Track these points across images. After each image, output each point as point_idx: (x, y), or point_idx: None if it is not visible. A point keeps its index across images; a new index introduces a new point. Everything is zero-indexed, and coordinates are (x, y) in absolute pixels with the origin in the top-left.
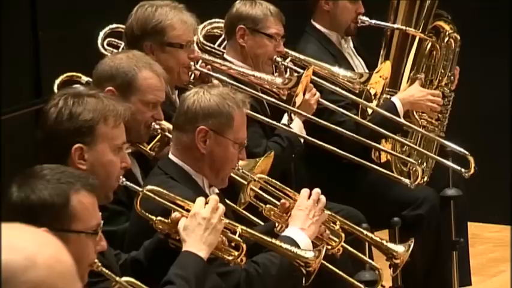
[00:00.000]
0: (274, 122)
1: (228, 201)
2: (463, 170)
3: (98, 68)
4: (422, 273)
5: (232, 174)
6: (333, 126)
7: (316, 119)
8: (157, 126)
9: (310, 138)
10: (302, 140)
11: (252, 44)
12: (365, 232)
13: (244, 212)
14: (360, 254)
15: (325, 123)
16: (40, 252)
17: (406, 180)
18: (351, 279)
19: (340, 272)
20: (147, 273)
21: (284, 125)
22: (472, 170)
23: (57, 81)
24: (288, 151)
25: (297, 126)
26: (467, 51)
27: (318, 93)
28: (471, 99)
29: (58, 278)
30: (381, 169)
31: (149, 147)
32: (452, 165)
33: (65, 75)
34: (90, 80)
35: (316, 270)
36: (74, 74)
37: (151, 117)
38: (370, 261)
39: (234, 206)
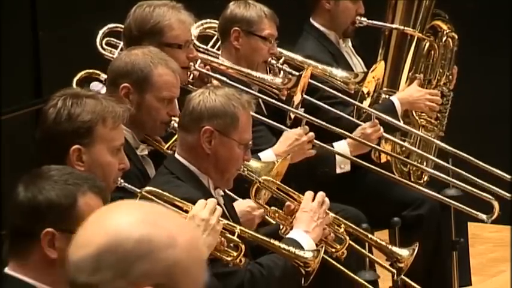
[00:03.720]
0: (317, 142)
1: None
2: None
3: (113, 64)
4: (422, 273)
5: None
6: (334, 127)
7: (314, 118)
8: (176, 125)
9: (356, 159)
10: (348, 167)
11: (247, 46)
12: (369, 236)
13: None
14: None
15: (322, 122)
16: (181, 234)
17: (483, 216)
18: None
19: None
20: None
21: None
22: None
23: (76, 79)
24: (315, 164)
25: (341, 149)
26: (467, 51)
27: (381, 130)
28: (471, 98)
29: (193, 263)
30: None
31: (167, 146)
32: (450, 167)
33: (84, 72)
34: None
35: (315, 270)
36: (93, 71)
37: (167, 114)
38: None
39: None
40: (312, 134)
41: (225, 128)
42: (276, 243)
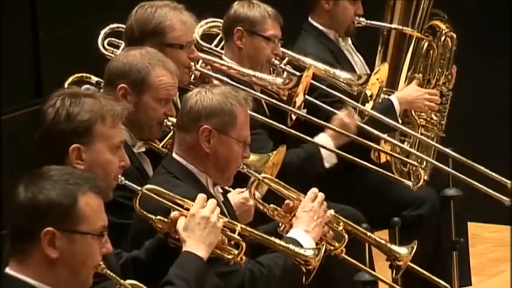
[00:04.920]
0: (308, 138)
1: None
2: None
3: (110, 65)
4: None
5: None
6: (335, 127)
7: (315, 119)
8: (169, 123)
9: (341, 153)
10: (334, 159)
11: (250, 46)
12: (368, 234)
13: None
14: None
15: (323, 122)
16: None
17: (408, 182)
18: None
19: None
20: (148, 273)
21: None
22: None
23: (67, 82)
24: (304, 166)
25: (324, 143)
26: (467, 51)
27: (358, 118)
28: (471, 98)
29: None
30: (382, 170)
31: (161, 144)
32: (450, 170)
33: (74, 76)
34: (101, 80)
35: (316, 268)
36: (84, 74)
37: (164, 114)
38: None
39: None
40: None
41: (223, 127)
42: (277, 241)
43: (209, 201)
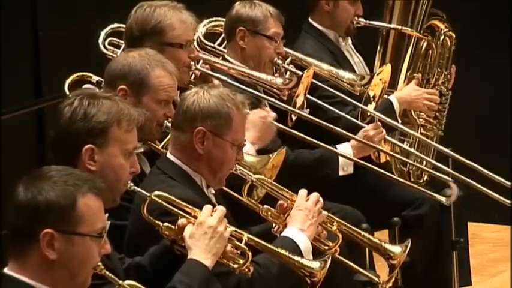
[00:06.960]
0: (320, 143)
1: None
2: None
3: (110, 66)
4: (422, 273)
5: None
6: (335, 128)
7: (315, 119)
8: (169, 124)
9: (358, 160)
10: (350, 169)
11: (252, 46)
12: (362, 233)
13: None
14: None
15: (324, 123)
16: None
17: (442, 198)
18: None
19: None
20: (151, 280)
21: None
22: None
23: (68, 81)
24: (316, 165)
25: (344, 151)
26: (467, 51)
27: (384, 132)
28: (471, 98)
29: None
30: (413, 185)
31: (161, 145)
32: (449, 170)
33: (75, 74)
34: (101, 79)
35: (320, 280)
36: (85, 73)
37: (164, 115)
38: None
39: (237, 195)
40: (275, 114)
41: (218, 129)
42: (283, 251)
43: (217, 210)
